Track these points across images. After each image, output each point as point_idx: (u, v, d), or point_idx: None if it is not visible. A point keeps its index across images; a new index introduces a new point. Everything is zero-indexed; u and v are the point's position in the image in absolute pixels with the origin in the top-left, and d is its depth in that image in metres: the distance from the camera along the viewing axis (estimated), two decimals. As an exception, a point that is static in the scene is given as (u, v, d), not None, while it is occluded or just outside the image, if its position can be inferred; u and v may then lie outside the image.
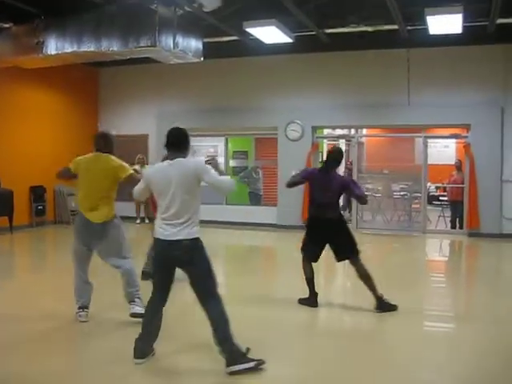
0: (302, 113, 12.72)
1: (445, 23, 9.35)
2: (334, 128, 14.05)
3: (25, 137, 12.73)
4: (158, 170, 4.36)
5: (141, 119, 14.33)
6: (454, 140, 13.72)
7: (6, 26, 9.82)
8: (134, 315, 5.19)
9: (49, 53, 9.56)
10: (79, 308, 5.35)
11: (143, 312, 4.66)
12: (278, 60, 12.58)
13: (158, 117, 14.07)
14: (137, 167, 13.38)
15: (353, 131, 13.67)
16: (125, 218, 13.33)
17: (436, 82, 11.88)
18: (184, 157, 4.25)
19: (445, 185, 14.11)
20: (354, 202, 12.72)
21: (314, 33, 10.87)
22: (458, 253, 11.75)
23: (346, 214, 15.14)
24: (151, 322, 4.32)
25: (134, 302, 5.29)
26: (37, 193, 13.00)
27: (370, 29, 10.32)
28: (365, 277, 5.87)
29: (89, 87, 14.82)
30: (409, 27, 10.37)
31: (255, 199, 14.22)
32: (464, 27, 9.64)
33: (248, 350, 4.15)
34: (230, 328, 4.10)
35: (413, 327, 5.42)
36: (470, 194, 11.85)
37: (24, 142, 12.66)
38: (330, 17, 10.21)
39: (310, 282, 6.07)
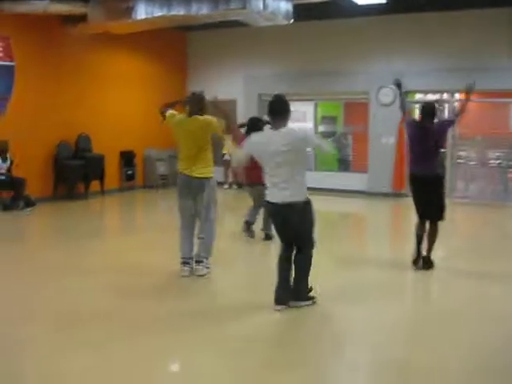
0: (395, 77, 12.08)
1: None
2: (427, 93, 13.30)
3: (115, 102, 12.96)
4: (263, 138, 4.65)
5: (229, 84, 14.17)
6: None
7: (96, -9, 9.94)
8: (200, 275, 5.70)
9: (138, 17, 9.60)
10: (183, 263, 5.76)
11: (206, 272, 5.68)
12: (369, 22, 12.03)
13: (245, 81, 13.93)
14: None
15: (445, 96, 12.94)
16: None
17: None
18: (285, 125, 4.56)
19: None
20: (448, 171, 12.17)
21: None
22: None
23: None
24: (284, 271, 4.71)
25: (201, 262, 5.75)
26: (126, 158, 13.24)
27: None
28: (432, 236, 6.07)
29: (177, 52, 14.83)
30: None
31: (344, 165, 13.88)
32: None
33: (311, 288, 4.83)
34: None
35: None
36: None
37: (114, 107, 12.91)
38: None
39: (418, 239, 6.12)
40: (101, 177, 12.16)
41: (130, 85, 13.43)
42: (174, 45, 14.57)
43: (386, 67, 12.18)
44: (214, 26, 12.59)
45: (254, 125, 7.12)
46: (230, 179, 13.96)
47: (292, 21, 9.48)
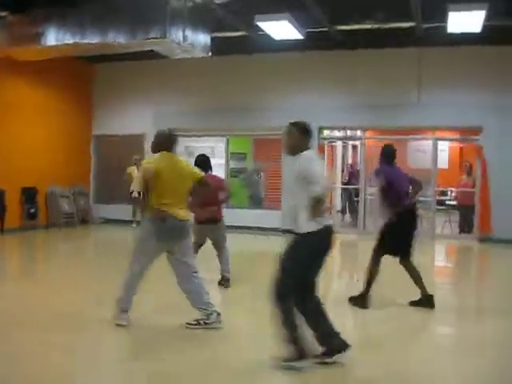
0: (309, 113, 12.22)
1: (465, 20, 9.00)
2: (340, 129, 13.60)
3: (17, 134, 12.06)
4: None
5: (137, 118, 13.76)
6: (447, 143, 13.29)
7: (2, 14, 9.25)
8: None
9: (48, 44, 9.00)
10: (124, 311, 5.01)
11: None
12: (284, 58, 12.19)
13: (155, 116, 13.53)
14: (133, 169, 13.19)
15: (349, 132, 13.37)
16: (120, 222, 13.19)
17: (447, 83, 11.55)
18: None
19: (454, 189, 13.76)
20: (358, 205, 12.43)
21: (325, 29, 10.46)
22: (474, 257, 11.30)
23: (343, 218, 14.91)
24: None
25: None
26: (28, 194, 12.29)
27: (384, 26, 9.96)
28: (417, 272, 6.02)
29: (83, 83, 14.18)
30: (426, 25, 10.01)
31: (256, 202, 13.71)
32: (482, 26, 9.29)
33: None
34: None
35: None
36: (481, 198, 11.53)
37: (16, 138, 12.00)
38: (344, 13, 9.78)
39: (374, 276, 5.96)
40: (1, 213, 11.18)
41: (33, 116, 12.59)
42: (79, 76, 13.94)
43: (300, 103, 12.30)
44: (122, 58, 12.19)
45: (202, 161, 6.76)
46: (138, 217, 13.36)
47: (210, 54, 9.29)
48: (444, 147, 14.13)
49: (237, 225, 12.40)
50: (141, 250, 4.96)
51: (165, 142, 5.11)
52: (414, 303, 5.92)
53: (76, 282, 7.01)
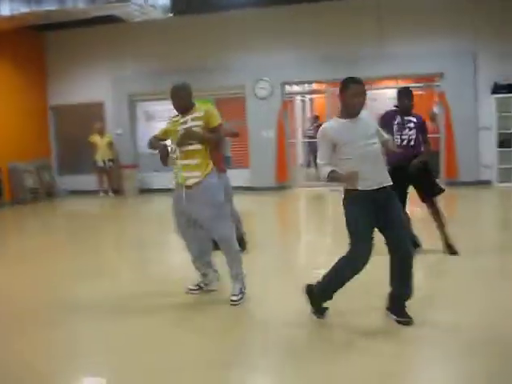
0: (270, 69, 12.15)
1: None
2: (303, 83, 13.53)
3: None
4: None
5: (95, 86, 13.35)
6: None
7: None
8: None
9: (2, 14, 8.59)
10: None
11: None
12: (243, 15, 11.91)
13: (113, 82, 13.19)
14: (96, 137, 12.93)
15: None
16: (86, 192, 12.99)
17: (407, 32, 11.54)
18: None
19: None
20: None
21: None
22: (456, 201, 11.41)
23: (309, 171, 15.02)
24: None
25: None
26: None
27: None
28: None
29: (35, 54, 13.58)
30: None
31: (225, 162, 13.60)
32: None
33: None
34: None
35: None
36: (446, 144, 11.70)
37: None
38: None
39: None
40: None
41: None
42: (31, 46, 13.34)
43: (261, 60, 12.16)
44: (75, 25, 11.76)
45: None
46: (105, 186, 13.18)
47: (170, 15, 9.05)
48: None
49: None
50: None
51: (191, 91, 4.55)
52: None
53: (54, 258, 6.86)
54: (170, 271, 5.94)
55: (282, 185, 12.38)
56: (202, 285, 4.75)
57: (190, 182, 4.35)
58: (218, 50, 12.35)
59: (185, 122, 4.39)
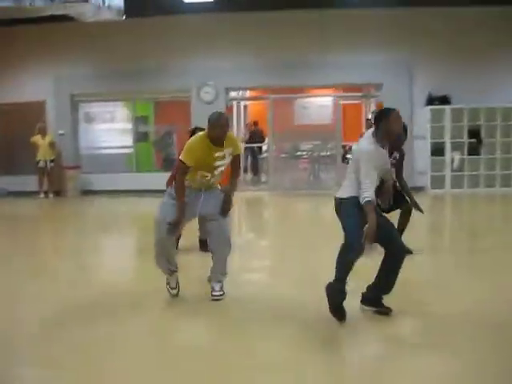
0: (215, 74, 12.35)
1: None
2: (247, 89, 13.79)
3: None
4: None
5: (36, 85, 13.13)
6: (330, 99, 13.74)
7: None
8: None
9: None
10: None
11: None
12: (191, 20, 12.08)
13: (55, 81, 13.03)
14: (38, 137, 12.71)
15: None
16: (25, 193, 12.73)
17: (348, 43, 12.05)
18: None
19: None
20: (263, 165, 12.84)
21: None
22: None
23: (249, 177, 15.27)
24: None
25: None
26: None
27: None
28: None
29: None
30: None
31: (170, 165, 13.63)
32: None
33: None
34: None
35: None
36: (383, 151, 12.21)
37: None
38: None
39: None
40: None
41: None
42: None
43: (207, 65, 12.32)
44: (18, 22, 11.55)
45: None
46: (46, 187, 12.98)
47: (124, 17, 9.10)
48: (328, 103, 13.96)
49: (153, 189, 12.43)
50: None
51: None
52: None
53: None
54: (109, 275, 5.82)
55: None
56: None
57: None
58: (163, 53, 12.46)
59: (222, 157, 4.33)
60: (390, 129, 3.88)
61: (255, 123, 15.20)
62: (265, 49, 12.16)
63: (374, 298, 4.10)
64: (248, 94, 14.99)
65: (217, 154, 4.26)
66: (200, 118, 12.53)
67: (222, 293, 4.52)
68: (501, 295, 4.53)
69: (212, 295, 4.51)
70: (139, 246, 7.39)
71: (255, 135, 14.64)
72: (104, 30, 11.95)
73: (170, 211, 4.30)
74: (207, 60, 12.33)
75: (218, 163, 4.31)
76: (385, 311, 4.03)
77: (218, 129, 4.16)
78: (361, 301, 4.15)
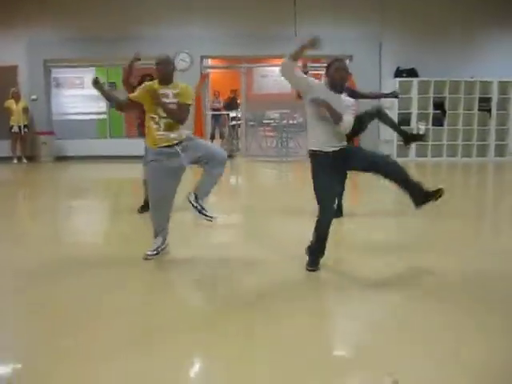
0: (188, 42, 12.48)
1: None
2: (222, 58, 13.95)
3: None
4: None
5: (7, 49, 13.04)
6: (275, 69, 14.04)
7: None
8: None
9: None
10: None
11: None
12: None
13: (28, 46, 12.97)
14: (11, 102, 12.69)
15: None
16: (-1, 159, 12.74)
17: (321, 16, 12.33)
18: None
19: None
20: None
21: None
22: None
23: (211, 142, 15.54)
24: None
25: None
26: None
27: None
28: None
29: None
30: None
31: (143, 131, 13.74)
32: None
33: None
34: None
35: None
36: (352, 120, 12.65)
37: None
38: None
39: None
40: None
41: None
42: None
43: (180, 33, 12.45)
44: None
45: None
46: (19, 153, 13.02)
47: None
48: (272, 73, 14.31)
49: (126, 155, 12.65)
50: None
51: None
52: None
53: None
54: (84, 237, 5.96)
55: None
56: (159, 250, 4.81)
57: (180, 137, 4.58)
58: (139, 20, 12.52)
59: (166, 95, 4.52)
60: (331, 76, 4.31)
61: (232, 91, 15.45)
62: (240, 19, 12.39)
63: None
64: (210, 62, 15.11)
65: (161, 91, 4.52)
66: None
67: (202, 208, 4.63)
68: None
69: (207, 216, 4.62)
70: (113, 209, 7.63)
71: (232, 103, 14.95)
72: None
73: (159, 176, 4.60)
74: (183, 28, 12.47)
75: (160, 93, 4.51)
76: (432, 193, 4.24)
77: (162, 65, 4.50)
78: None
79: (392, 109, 12.50)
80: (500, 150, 12.93)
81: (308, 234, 4.33)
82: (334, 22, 12.30)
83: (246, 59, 13.19)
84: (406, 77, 12.44)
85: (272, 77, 14.03)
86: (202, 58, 12.81)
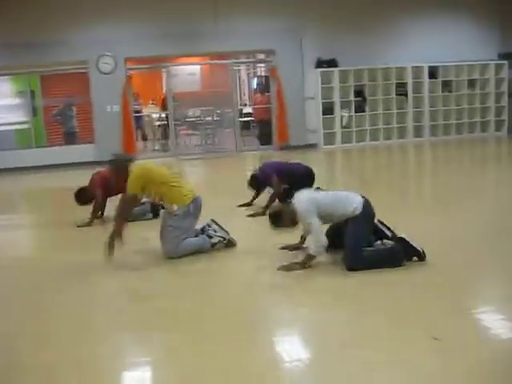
0: (113, 45, 12.36)
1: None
2: (146, 59, 13.87)
3: None
4: None
5: None
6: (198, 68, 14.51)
7: None
8: None
9: None
10: None
11: None
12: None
13: None
14: None
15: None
16: None
17: (242, 11, 12.61)
18: None
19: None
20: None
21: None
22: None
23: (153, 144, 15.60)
24: None
25: None
26: None
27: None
28: None
29: None
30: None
31: (71, 138, 13.57)
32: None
33: None
34: None
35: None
36: (278, 113, 13.03)
37: None
38: None
39: None
40: None
41: None
42: None
43: (104, 36, 12.27)
44: None
45: None
46: None
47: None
48: (196, 71, 14.64)
49: (52, 163, 12.43)
50: None
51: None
52: None
53: None
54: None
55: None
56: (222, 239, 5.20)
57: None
58: (59, 24, 12.13)
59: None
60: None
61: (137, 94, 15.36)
62: (160, 17, 12.35)
63: None
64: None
65: None
66: (99, 89, 12.71)
67: None
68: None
69: None
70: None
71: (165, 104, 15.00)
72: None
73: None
74: (104, 30, 12.29)
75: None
76: None
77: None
78: None
79: (315, 98, 13.01)
80: (418, 131, 13.66)
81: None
82: (256, 17, 12.60)
83: (169, 58, 13.29)
84: (326, 67, 12.91)
85: (194, 75, 14.25)
86: (126, 60, 12.75)
